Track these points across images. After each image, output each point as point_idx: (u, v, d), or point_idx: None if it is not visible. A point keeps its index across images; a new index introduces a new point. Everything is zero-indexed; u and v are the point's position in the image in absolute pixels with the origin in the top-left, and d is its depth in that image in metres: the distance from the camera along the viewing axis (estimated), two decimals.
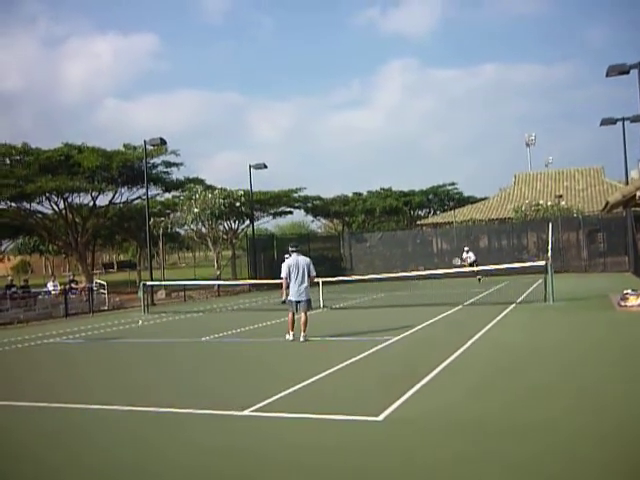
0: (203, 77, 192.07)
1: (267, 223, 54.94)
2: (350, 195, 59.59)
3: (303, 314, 12.62)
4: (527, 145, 69.15)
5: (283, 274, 12.60)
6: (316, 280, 22.44)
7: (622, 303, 15.65)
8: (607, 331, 12.58)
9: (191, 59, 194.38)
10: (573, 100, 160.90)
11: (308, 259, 12.79)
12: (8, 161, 34.14)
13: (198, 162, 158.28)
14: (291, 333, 12.63)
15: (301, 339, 12.46)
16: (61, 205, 35.78)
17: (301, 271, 12.48)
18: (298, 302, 12.61)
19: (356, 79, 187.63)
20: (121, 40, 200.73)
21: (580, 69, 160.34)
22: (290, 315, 12.72)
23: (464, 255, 30.47)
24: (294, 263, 12.55)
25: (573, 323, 13.91)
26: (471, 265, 29.26)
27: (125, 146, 35.97)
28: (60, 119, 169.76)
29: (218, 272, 35.22)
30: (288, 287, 12.62)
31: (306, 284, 12.55)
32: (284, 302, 12.85)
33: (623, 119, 29.44)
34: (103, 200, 37.06)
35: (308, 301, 12.74)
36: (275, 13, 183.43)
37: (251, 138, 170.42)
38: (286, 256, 13.21)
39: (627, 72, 20.52)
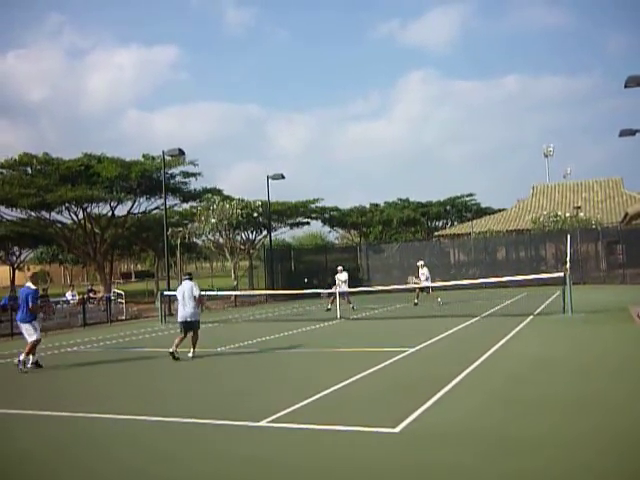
0: (223, 89, 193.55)
1: (284, 234, 54.86)
2: (367, 206, 59.52)
3: (194, 333, 13.07)
4: (545, 156, 68.80)
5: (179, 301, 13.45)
6: (333, 290, 22.86)
7: None
8: (626, 344, 12.45)
9: (212, 71, 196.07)
10: (593, 111, 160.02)
11: (192, 282, 13.31)
12: (30, 170, 34.53)
13: (217, 172, 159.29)
14: (173, 349, 12.81)
15: (190, 354, 12.79)
16: (80, 215, 36.05)
17: (186, 294, 13.06)
18: (185, 323, 13.06)
19: (375, 90, 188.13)
20: (143, 52, 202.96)
21: (601, 80, 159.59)
22: (180, 336, 13.10)
23: (420, 272, 25.04)
24: (181, 289, 13.32)
25: (592, 336, 13.79)
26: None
27: (144, 156, 36.23)
28: (83, 130, 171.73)
29: (235, 282, 35.27)
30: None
31: (189, 308, 13.05)
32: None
33: None
34: (122, 210, 37.30)
35: (197, 322, 13.23)
36: (295, 26, 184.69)
37: (270, 149, 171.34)
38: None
39: None
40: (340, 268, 24.78)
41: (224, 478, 5.55)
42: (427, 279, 24.82)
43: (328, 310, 23.24)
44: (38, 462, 6.29)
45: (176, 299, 13.65)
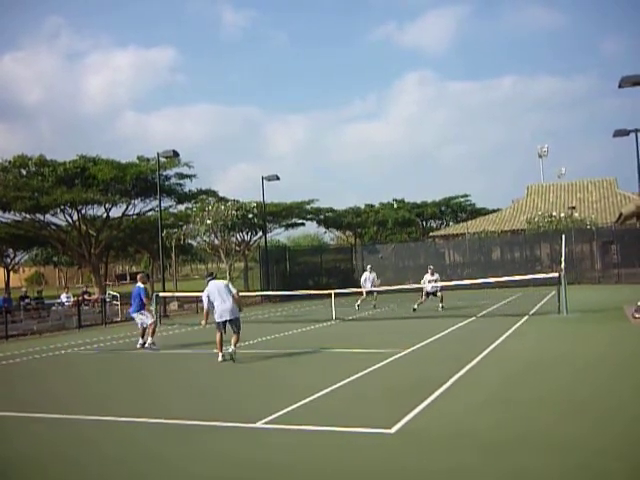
0: (220, 91, 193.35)
1: (279, 235, 54.89)
2: (362, 207, 59.59)
3: (236, 334, 12.35)
4: (540, 156, 68.90)
5: (204, 304, 12.76)
6: (328, 292, 22.83)
7: (637, 315, 15.53)
8: (622, 343, 12.48)
9: (209, 73, 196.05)
10: (588, 112, 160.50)
11: (225, 281, 12.80)
12: (25, 172, 34.39)
13: (213, 174, 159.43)
14: (220, 354, 12.27)
15: (230, 349, 12.10)
16: (75, 217, 35.98)
17: (224, 293, 12.37)
18: (223, 322, 12.37)
19: (372, 92, 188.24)
20: (141, 54, 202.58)
21: (596, 81, 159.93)
22: (218, 335, 12.44)
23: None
24: (212, 289, 12.51)
25: (587, 335, 13.82)
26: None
27: (139, 158, 36.18)
28: (80, 132, 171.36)
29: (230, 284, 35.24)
30: (208, 314, 12.74)
31: (229, 303, 12.32)
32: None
33: (636, 130, 29.21)
34: (116, 212, 37.27)
35: (238, 319, 12.48)
36: (293, 28, 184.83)
37: (267, 150, 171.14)
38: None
39: None
40: (370, 267, 25.04)
41: (221, 479, 5.55)
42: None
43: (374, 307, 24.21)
44: (34, 464, 6.27)
45: (201, 300, 13.00)
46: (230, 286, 12.66)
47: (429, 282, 22.48)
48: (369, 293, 24.41)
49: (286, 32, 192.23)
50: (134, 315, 15.45)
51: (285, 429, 6.94)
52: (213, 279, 12.87)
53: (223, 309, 12.32)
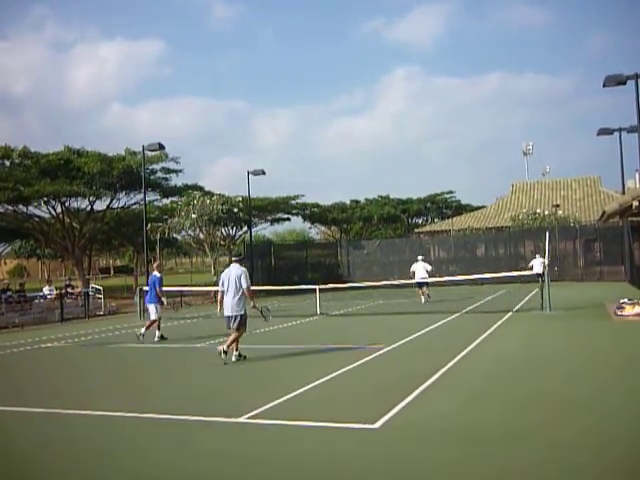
0: (208, 84, 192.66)
1: (265, 229, 54.87)
2: (348, 202, 59.65)
3: (235, 331, 11.28)
4: (524, 154, 69.27)
5: (219, 289, 11.70)
6: (313, 287, 22.76)
7: (618, 312, 15.67)
8: (603, 340, 12.57)
9: (196, 66, 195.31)
10: (573, 110, 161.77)
11: (242, 269, 11.38)
12: (8, 163, 34.01)
13: (200, 168, 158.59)
14: (235, 353, 11.39)
15: (222, 356, 11.03)
16: (58, 209, 35.69)
17: (232, 283, 11.27)
18: (229, 317, 11.35)
19: (360, 87, 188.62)
20: (128, 46, 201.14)
21: (581, 79, 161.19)
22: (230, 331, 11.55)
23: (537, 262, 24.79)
24: (227, 275, 11.47)
25: (569, 332, 13.92)
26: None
27: (126, 151, 35.92)
28: (65, 123, 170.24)
29: (215, 278, 35.09)
30: (222, 301, 11.56)
31: (237, 298, 11.24)
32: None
33: (620, 129, 29.52)
34: (101, 205, 37.01)
35: (239, 317, 11.28)
36: (281, 22, 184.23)
37: (254, 144, 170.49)
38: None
39: (624, 83, 20.57)
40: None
41: (205, 474, 5.52)
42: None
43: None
44: (23, 459, 6.22)
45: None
46: (242, 278, 11.21)
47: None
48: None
49: (274, 26, 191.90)
50: (149, 305, 15.54)
51: (269, 424, 6.93)
52: (237, 261, 11.65)
53: (226, 302, 11.34)
